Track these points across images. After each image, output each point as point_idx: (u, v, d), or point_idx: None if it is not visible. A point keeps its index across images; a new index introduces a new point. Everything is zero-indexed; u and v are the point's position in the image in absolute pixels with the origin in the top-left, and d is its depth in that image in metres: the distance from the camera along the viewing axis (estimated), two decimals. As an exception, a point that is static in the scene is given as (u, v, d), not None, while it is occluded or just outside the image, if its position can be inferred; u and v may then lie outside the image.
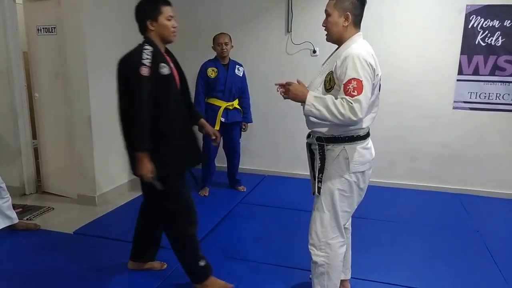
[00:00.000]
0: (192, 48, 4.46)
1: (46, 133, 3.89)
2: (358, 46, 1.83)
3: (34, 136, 3.97)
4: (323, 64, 1.99)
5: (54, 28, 3.56)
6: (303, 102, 1.85)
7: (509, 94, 3.81)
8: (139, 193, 3.90)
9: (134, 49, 2.08)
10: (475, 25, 3.77)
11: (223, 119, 3.70)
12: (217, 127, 3.69)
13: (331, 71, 1.86)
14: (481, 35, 3.78)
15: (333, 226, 1.97)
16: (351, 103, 1.72)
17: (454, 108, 3.98)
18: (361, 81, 1.73)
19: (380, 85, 1.94)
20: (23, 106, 3.81)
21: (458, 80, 3.91)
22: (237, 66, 3.79)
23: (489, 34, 3.76)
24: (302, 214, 3.43)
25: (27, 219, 3.29)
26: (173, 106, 2.10)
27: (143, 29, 2.14)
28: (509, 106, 3.84)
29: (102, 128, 3.62)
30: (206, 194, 3.90)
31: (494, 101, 3.86)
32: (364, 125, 1.90)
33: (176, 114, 2.11)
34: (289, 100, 1.93)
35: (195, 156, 2.32)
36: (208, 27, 4.24)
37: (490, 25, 3.74)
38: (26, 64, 3.89)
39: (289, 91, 1.89)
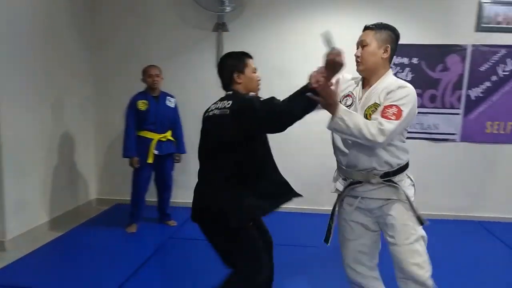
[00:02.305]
0: (122, 80, 4.38)
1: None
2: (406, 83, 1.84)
3: None
4: (348, 106, 1.89)
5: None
6: (332, 112, 1.74)
7: (419, 124, 4.20)
8: (59, 233, 3.66)
9: (243, 97, 2.00)
10: (388, 62, 4.15)
11: (156, 152, 3.62)
12: (150, 160, 3.60)
13: (375, 103, 1.81)
14: (393, 71, 4.16)
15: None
16: (383, 125, 1.69)
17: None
18: (402, 111, 1.73)
19: None
20: None
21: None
22: (167, 97, 3.75)
23: (400, 70, 4.16)
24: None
25: None
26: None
27: (229, 83, 2.08)
28: (419, 135, 4.22)
29: (16, 164, 3.33)
30: (134, 231, 3.72)
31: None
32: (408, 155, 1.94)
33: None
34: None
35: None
36: (138, 60, 4.16)
37: (400, 61, 4.14)
38: None
39: (327, 87, 1.68)
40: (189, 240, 3.57)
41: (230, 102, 1.95)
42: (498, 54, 4.06)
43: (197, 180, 2.12)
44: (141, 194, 3.73)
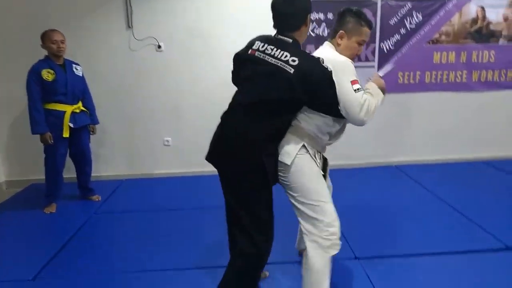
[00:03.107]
0: (18, 49, 3.93)
1: None
2: None
3: None
4: None
5: None
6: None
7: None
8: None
9: (311, 58, 1.80)
10: (305, 18, 4.17)
11: (71, 125, 3.33)
12: (66, 134, 3.31)
13: None
14: (310, 28, 4.19)
15: None
16: None
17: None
18: None
19: None
20: None
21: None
22: (73, 65, 3.42)
23: (316, 26, 4.19)
24: (166, 214, 3.35)
25: None
26: None
27: (297, 26, 1.81)
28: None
29: None
30: (53, 211, 3.47)
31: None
32: None
33: None
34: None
35: None
36: (35, 25, 3.68)
37: (317, 17, 4.17)
38: None
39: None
40: (116, 213, 3.44)
41: (296, 59, 1.72)
42: (405, 8, 4.24)
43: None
44: (59, 171, 3.46)
